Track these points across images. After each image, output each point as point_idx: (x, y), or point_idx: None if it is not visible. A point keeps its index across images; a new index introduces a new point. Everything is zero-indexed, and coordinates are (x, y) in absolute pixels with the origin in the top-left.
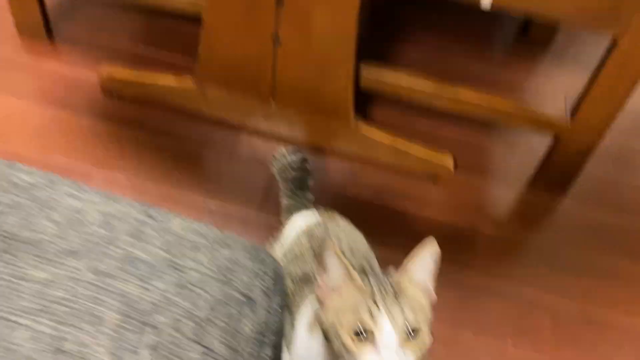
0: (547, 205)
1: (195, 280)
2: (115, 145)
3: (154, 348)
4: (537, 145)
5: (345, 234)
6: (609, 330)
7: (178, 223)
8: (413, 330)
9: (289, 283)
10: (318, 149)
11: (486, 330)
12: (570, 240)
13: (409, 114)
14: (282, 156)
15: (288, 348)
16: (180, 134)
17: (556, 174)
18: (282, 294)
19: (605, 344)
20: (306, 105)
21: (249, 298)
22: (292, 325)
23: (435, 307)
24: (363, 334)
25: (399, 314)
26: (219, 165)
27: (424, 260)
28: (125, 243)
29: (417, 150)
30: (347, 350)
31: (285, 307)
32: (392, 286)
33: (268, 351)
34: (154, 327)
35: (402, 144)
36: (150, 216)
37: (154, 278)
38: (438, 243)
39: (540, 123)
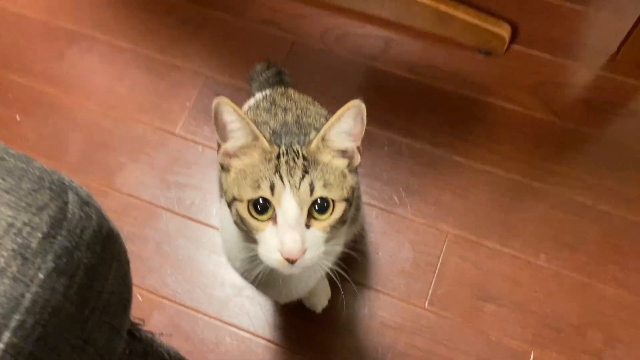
0: (627, 94)
1: None
2: (124, 11)
3: None
4: (628, 12)
5: (297, 107)
6: None
7: None
8: (325, 205)
9: None
10: (344, 12)
11: (516, 241)
12: None
13: None
14: (258, 73)
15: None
16: None
17: None
18: None
19: None
20: None
21: None
22: None
23: (460, 210)
24: (264, 210)
25: (306, 189)
26: (230, 31)
27: (346, 122)
28: None
29: (466, 13)
30: (246, 226)
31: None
32: (303, 156)
33: None
34: None
35: (448, 5)
36: None
37: None
38: (480, 128)
39: None
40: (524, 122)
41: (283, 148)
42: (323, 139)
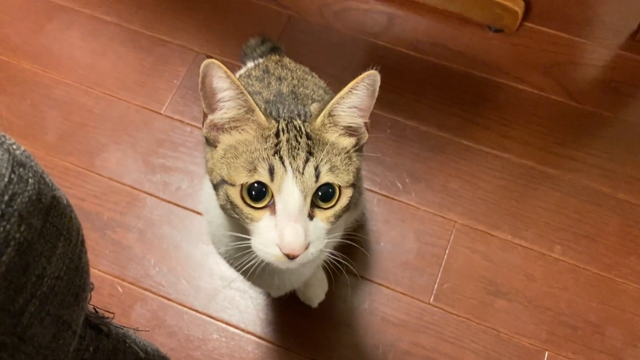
0: None
1: None
2: None
3: None
4: None
5: (293, 77)
6: None
7: None
8: (330, 192)
9: None
10: None
11: (529, 231)
12: None
13: None
14: (251, 49)
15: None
16: None
17: None
18: None
19: None
20: None
21: None
22: None
23: (468, 198)
24: (260, 197)
25: (311, 174)
26: (222, 5)
27: (358, 95)
28: None
29: None
30: (238, 215)
31: None
32: (307, 134)
33: None
34: None
35: None
36: None
37: None
38: (490, 110)
39: None
40: (538, 104)
41: (282, 124)
42: (330, 114)
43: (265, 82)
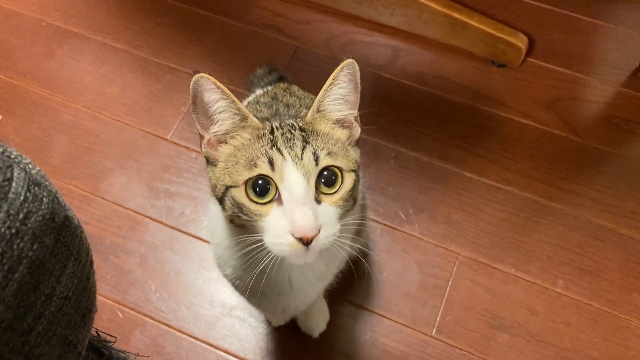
0: None
1: None
2: (119, 12)
3: None
4: None
5: (300, 104)
6: None
7: None
8: (332, 177)
9: None
10: (350, 19)
11: (532, 265)
12: None
13: None
14: (258, 78)
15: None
16: None
17: None
18: None
19: None
20: None
21: None
22: None
23: (471, 230)
24: (264, 192)
25: (310, 158)
26: (230, 36)
27: (341, 86)
28: None
29: (480, 21)
30: (246, 215)
31: None
32: (300, 127)
33: None
34: None
35: (461, 12)
36: None
37: None
38: (494, 143)
39: None
40: (540, 139)
41: (275, 123)
42: (318, 109)
43: (274, 109)
